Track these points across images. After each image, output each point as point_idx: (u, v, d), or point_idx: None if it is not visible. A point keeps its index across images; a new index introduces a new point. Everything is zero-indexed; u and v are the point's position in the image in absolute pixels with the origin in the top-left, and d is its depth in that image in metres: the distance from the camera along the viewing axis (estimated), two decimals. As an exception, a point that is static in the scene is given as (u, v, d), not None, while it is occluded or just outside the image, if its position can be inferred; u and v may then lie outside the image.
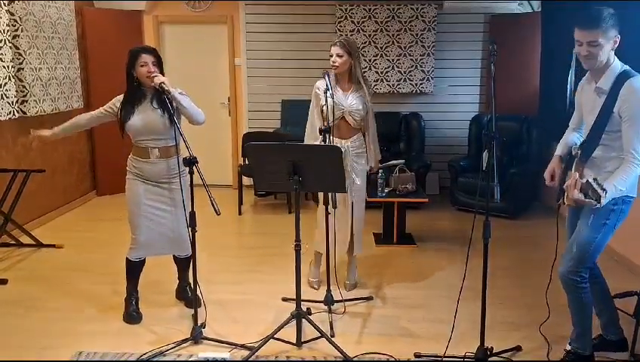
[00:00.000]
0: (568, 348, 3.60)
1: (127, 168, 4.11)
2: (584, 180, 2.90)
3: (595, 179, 2.85)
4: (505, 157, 7.10)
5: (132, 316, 4.22)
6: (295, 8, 8.13)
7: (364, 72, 7.98)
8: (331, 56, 4.40)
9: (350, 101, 4.46)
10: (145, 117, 3.97)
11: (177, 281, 4.59)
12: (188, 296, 4.47)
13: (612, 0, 4.57)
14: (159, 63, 4.00)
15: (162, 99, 3.90)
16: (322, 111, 4.49)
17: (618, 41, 3.06)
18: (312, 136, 4.56)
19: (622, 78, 3.07)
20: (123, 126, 3.99)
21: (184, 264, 4.43)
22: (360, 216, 4.71)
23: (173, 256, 4.39)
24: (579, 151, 3.32)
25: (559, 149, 3.56)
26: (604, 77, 3.12)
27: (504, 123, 7.14)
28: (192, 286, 3.85)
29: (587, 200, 2.89)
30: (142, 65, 3.92)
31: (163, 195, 4.11)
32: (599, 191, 2.81)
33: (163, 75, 3.98)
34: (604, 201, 2.88)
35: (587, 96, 3.29)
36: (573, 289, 3.36)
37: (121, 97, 4.06)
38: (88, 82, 7.62)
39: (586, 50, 3.04)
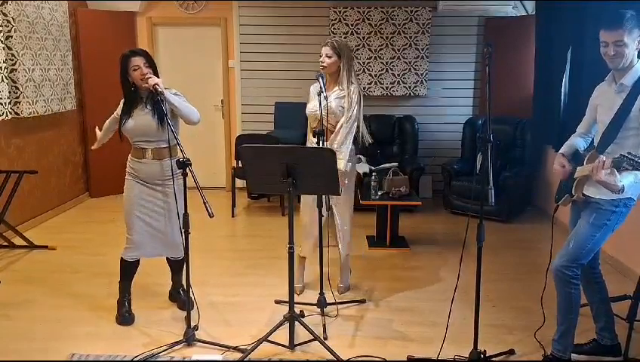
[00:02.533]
0: (546, 351, 3.63)
1: (127, 169, 4.13)
2: (615, 156, 2.96)
3: (628, 153, 2.89)
4: (499, 160, 7.10)
5: (124, 318, 4.21)
6: (289, 10, 8.13)
7: (357, 74, 8.01)
8: (321, 56, 4.39)
9: (329, 104, 4.36)
10: (138, 119, 3.99)
11: (171, 283, 4.58)
12: (181, 298, 4.46)
13: (608, 1, 4.62)
14: (151, 64, 3.98)
15: (155, 100, 3.89)
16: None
17: None
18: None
19: None
20: (120, 127, 4.03)
21: (176, 266, 4.42)
22: (345, 216, 4.67)
23: (167, 258, 4.39)
24: (593, 148, 3.39)
25: (563, 149, 3.63)
26: (627, 75, 3.20)
27: (498, 126, 7.15)
28: (185, 288, 3.83)
29: (613, 183, 2.96)
30: (134, 69, 3.90)
31: (157, 198, 4.11)
32: (637, 159, 2.85)
33: (157, 75, 3.97)
34: (627, 182, 2.98)
35: (606, 96, 3.35)
36: (563, 284, 3.39)
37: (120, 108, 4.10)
38: (81, 84, 7.59)
39: (613, 50, 3.13)
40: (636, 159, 2.85)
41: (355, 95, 4.40)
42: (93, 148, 4.40)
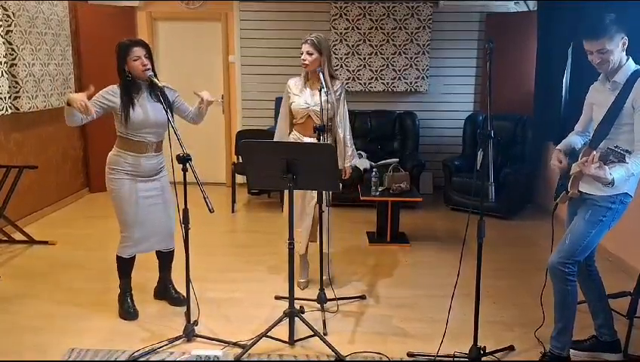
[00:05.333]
0: (546, 349, 3.62)
1: (115, 166, 4.00)
2: (602, 150, 2.99)
3: (615, 146, 2.92)
4: (499, 157, 7.10)
5: (129, 312, 4.20)
6: (290, 5, 8.12)
7: (359, 69, 8.01)
8: (302, 53, 4.39)
9: (316, 100, 4.38)
10: (147, 110, 3.92)
11: (158, 279, 4.56)
12: (172, 294, 4.45)
13: (607, 0, 4.60)
14: (150, 56, 3.95)
15: (157, 92, 3.89)
16: (291, 109, 4.53)
17: (627, 42, 3.16)
18: (278, 136, 4.65)
19: (636, 74, 3.19)
20: (127, 117, 3.88)
21: (167, 260, 4.42)
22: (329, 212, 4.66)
23: (157, 251, 4.37)
24: (587, 141, 3.43)
25: (561, 145, 3.63)
26: (619, 73, 3.22)
27: (499, 122, 7.14)
28: (185, 283, 3.82)
29: (603, 176, 2.95)
30: (135, 60, 3.87)
31: (154, 189, 4.10)
32: (622, 152, 2.88)
33: (154, 69, 3.96)
34: (617, 176, 2.97)
35: (600, 95, 3.36)
36: (559, 280, 3.39)
37: (112, 90, 3.92)
38: (81, 79, 7.57)
39: (598, 57, 3.17)
40: (621, 151, 2.87)
41: (342, 92, 4.55)
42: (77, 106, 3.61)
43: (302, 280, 4.80)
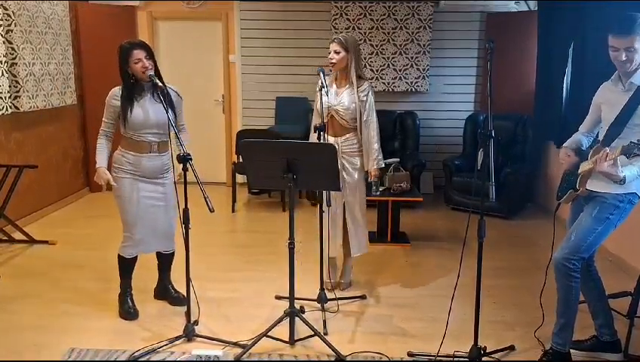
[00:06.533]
0: (546, 349, 3.62)
1: (118, 165, 4.02)
2: (625, 144, 2.99)
3: (638, 140, 2.93)
4: (499, 156, 7.09)
5: (129, 312, 4.20)
6: (290, 5, 8.12)
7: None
8: (329, 53, 4.40)
9: (340, 99, 4.42)
10: (148, 110, 3.94)
11: (160, 281, 4.55)
12: (172, 294, 4.45)
13: (607, 0, 4.61)
14: (152, 56, 3.95)
15: (160, 93, 3.89)
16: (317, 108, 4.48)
17: None
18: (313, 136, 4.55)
19: None
20: (125, 118, 3.91)
21: (167, 261, 4.42)
22: (357, 214, 4.66)
23: (157, 253, 4.37)
24: (599, 141, 3.42)
25: (567, 143, 3.63)
26: (636, 74, 3.22)
27: (499, 122, 7.10)
28: (186, 283, 3.82)
29: (615, 173, 3.00)
30: (136, 62, 3.87)
31: (157, 191, 4.10)
32: None
33: (156, 67, 3.96)
34: (629, 173, 3.04)
35: (612, 95, 3.36)
36: (563, 276, 3.39)
37: (115, 96, 3.96)
38: (82, 78, 7.58)
39: (625, 55, 3.15)
40: None
41: (369, 92, 4.47)
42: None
43: (329, 281, 4.72)
